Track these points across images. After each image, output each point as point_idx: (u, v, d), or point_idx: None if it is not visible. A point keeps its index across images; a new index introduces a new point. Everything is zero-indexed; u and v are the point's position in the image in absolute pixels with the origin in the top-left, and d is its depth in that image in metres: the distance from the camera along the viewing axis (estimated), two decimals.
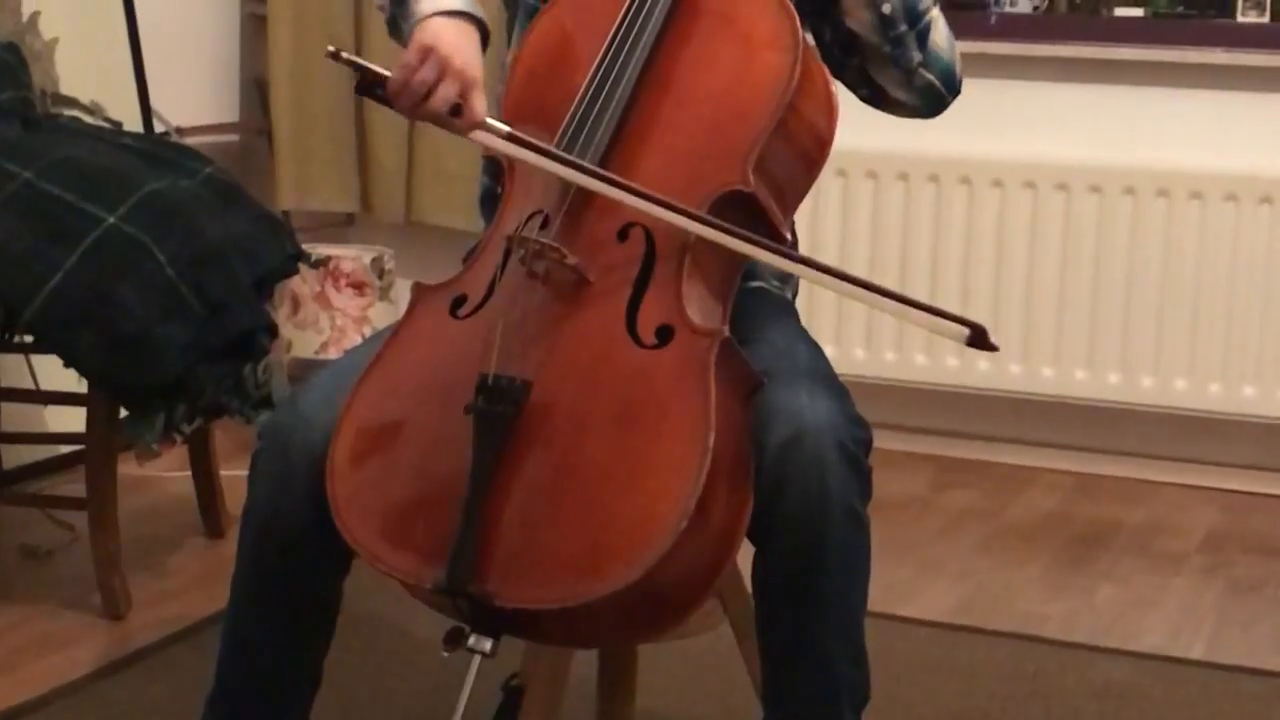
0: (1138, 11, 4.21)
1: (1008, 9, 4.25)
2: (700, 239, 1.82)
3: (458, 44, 1.87)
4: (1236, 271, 3.99)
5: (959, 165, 4.13)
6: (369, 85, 1.87)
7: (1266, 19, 4.04)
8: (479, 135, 1.87)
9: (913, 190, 4.17)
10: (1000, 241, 4.13)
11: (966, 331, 1.79)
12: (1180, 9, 4.20)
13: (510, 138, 1.86)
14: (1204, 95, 4.06)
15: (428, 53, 1.85)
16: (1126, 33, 4.15)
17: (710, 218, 1.81)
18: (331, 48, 1.85)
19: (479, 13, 1.94)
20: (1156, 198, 4.01)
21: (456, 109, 1.86)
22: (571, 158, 1.85)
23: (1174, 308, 4.03)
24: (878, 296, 1.83)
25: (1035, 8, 4.27)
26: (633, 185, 1.83)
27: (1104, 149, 4.09)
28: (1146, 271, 4.04)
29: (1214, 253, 3.99)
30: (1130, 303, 4.06)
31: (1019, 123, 4.15)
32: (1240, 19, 4.06)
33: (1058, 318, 4.11)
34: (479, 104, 1.86)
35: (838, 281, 1.84)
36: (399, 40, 2.00)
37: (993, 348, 1.80)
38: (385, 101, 1.88)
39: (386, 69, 1.88)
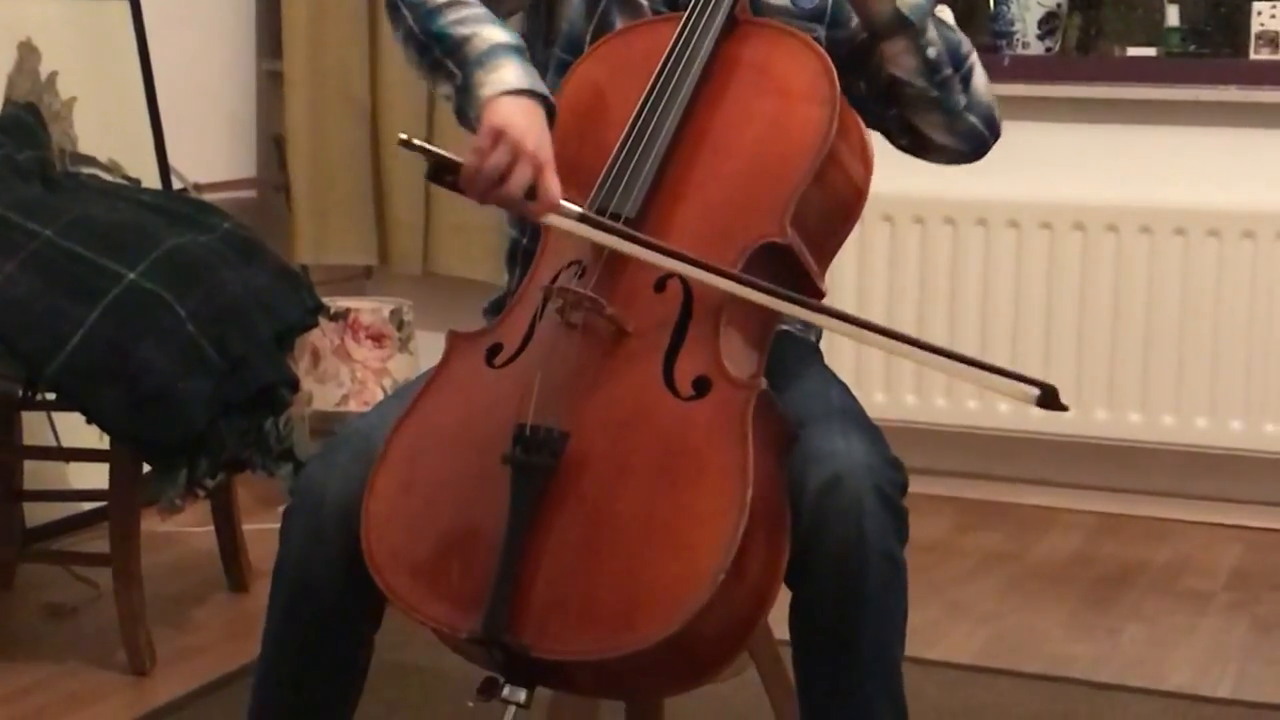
0: (1150, 51, 4.22)
1: (1021, 51, 4.26)
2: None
3: (529, 126, 1.82)
4: (1256, 308, 3.98)
5: (975, 207, 4.14)
6: (439, 171, 1.82)
7: (1279, 56, 4.04)
8: (552, 218, 1.83)
9: (929, 233, 4.18)
10: (1018, 283, 4.13)
11: (1036, 392, 1.78)
12: (1192, 48, 4.21)
13: (583, 219, 1.83)
14: (1218, 133, 4.07)
15: (499, 136, 1.80)
16: (1139, 72, 4.15)
17: (752, 279, 1.80)
18: (404, 135, 1.80)
19: (543, 89, 1.89)
20: (1173, 236, 4.01)
21: (531, 192, 1.81)
22: (642, 236, 1.82)
23: (1193, 345, 4.02)
24: (932, 355, 1.82)
25: (1048, 49, 4.28)
26: (684, 253, 1.81)
27: (1120, 188, 4.09)
28: (1165, 309, 4.04)
29: (1232, 289, 3.99)
30: (1150, 341, 4.05)
31: (1034, 164, 4.15)
32: (1253, 56, 4.07)
33: (1077, 358, 4.11)
34: (554, 186, 1.81)
35: (883, 339, 1.84)
36: (467, 127, 1.92)
37: (1063, 407, 1.77)
38: (457, 189, 1.82)
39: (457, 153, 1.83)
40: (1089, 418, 4.11)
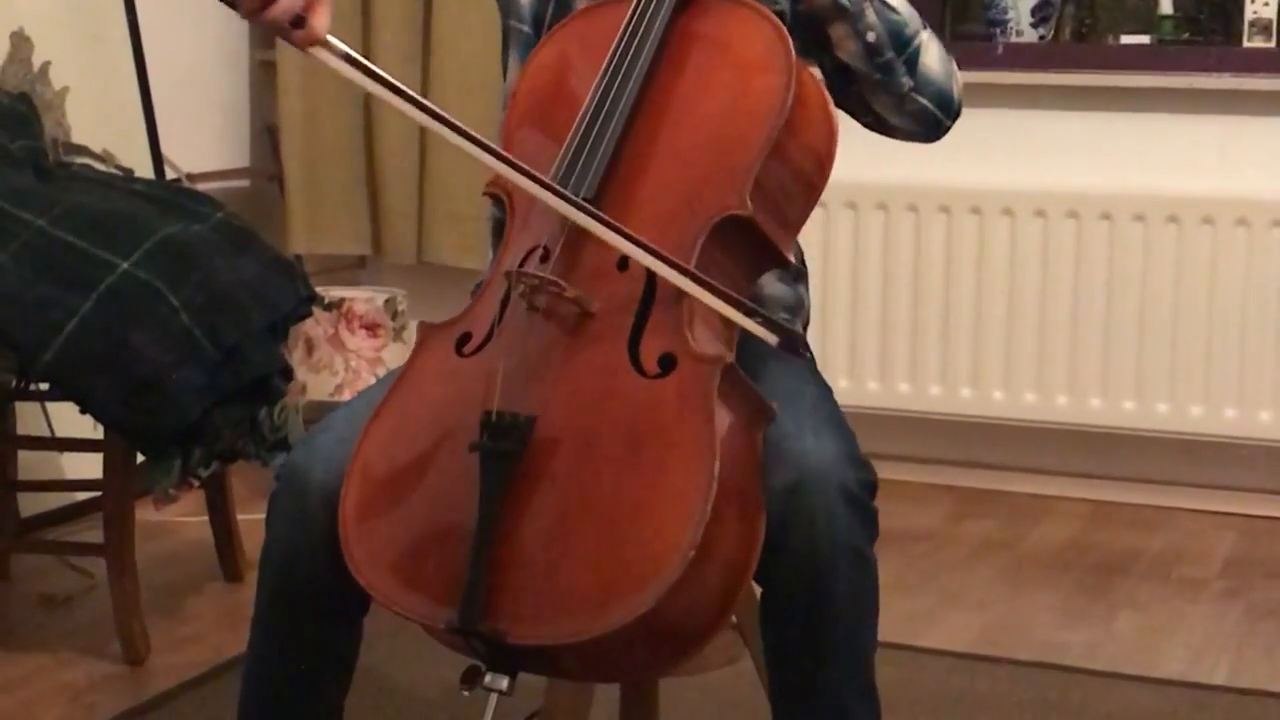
0: (1144, 39, 4.22)
1: (1014, 39, 4.26)
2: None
3: None
4: (1249, 295, 3.98)
5: (969, 195, 4.14)
6: None
7: (1273, 44, 4.05)
8: (318, 53, 1.82)
9: (923, 221, 4.18)
10: (1012, 270, 4.13)
11: (775, 340, 1.78)
12: (1186, 35, 4.21)
13: (347, 59, 1.81)
14: (1212, 120, 4.06)
15: None
16: (1133, 60, 4.15)
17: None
18: None
19: None
20: (1167, 223, 4.01)
21: (299, 21, 1.81)
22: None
23: (1187, 333, 4.02)
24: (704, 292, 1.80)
25: (1041, 37, 4.28)
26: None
27: (1114, 176, 4.09)
28: (1159, 297, 4.04)
29: (1226, 277, 3.99)
30: (1143, 329, 4.05)
31: (1028, 151, 4.15)
32: (1246, 44, 4.07)
33: (1071, 345, 4.11)
34: (321, 20, 1.81)
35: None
36: None
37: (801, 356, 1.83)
38: (231, 4, 1.82)
39: None
40: (1083, 405, 4.11)
